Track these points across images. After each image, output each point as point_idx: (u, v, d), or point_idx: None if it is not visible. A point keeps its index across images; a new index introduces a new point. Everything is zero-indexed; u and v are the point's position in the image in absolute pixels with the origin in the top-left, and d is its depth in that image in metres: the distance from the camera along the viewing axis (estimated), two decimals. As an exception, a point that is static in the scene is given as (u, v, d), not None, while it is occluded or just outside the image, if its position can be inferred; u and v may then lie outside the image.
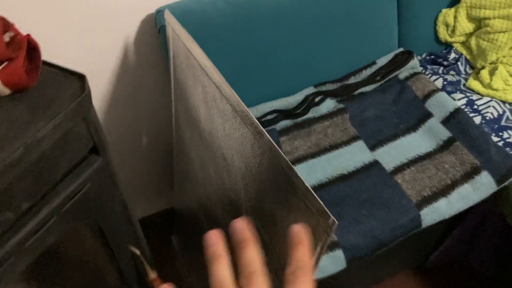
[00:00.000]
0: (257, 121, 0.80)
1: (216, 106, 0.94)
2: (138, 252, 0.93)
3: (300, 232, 0.39)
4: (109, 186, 0.82)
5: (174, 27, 1.04)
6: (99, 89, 1.27)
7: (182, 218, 1.53)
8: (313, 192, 0.66)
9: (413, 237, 1.32)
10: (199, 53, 0.97)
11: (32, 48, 0.74)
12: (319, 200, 0.65)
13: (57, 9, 1.08)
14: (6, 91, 0.71)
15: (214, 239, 0.38)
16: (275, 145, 0.77)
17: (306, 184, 0.68)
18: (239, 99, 0.86)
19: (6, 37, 0.74)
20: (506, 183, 1.13)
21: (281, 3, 1.21)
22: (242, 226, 0.38)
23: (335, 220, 0.65)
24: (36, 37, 0.73)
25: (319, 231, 0.68)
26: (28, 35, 0.73)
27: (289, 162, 0.70)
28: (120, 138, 1.41)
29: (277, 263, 0.85)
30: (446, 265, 1.46)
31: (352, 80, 1.35)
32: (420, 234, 1.32)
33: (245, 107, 0.84)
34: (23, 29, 0.73)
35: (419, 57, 1.43)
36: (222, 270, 0.36)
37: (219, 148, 0.98)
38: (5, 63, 0.71)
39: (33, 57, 0.74)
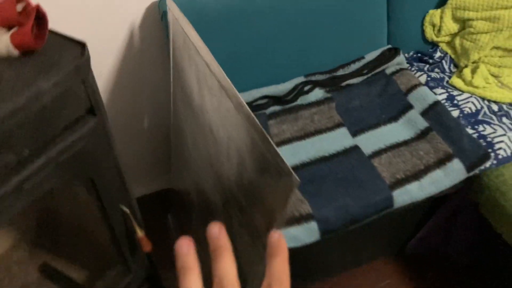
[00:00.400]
0: (238, 94, 0.90)
1: (206, 82, 1.04)
2: (128, 211, 1.02)
3: (278, 242, 0.37)
4: (103, 145, 0.92)
5: (175, 13, 1.14)
6: (104, 70, 1.38)
7: (177, 198, 1.62)
8: (280, 154, 0.75)
9: (392, 223, 1.41)
10: (194, 35, 1.06)
11: (40, 17, 0.84)
12: (285, 162, 0.74)
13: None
14: (15, 52, 0.81)
15: (185, 249, 0.36)
16: (253, 115, 0.86)
17: (274, 147, 0.77)
18: (225, 75, 0.95)
19: (19, 7, 0.84)
20: (476, 170, 1.20)
21: (274, -3, 1.30)
22: (217, 232, 0.37)
23: (297, 178, 0.74)
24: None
25: (285, 189, 0.78)
26: (38, 5, 0.83)
27: (263, 130, 0.80)
28: (123, 118, 1.51)
29: (250, 222, 0.94)
30: (424, 254, 1.53)
31: (341, 72, 1.44)
32: (398, 220, 1.40)
33: (229, 82, 0.93)
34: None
35: (406, 55, 1.51)
36: (192, 283, 0.35)
37: (207, 122, 1.08)
38: (16, 28, 0.81)
39: (41, 24, 0.84)
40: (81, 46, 0.83)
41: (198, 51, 1.04)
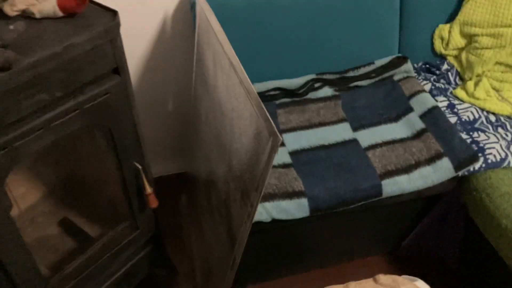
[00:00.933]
0: (243, 70, 1.03)
1: (219, 62, 1.18)
2: (140, 167, 1.16)
3: None
4: (123, 103, 1.06)
5: (202, 4, 1.29)
6: (137, 52, 1.54)
7: (191, 180, 1.75)
8: (270, 119, 0.87)
9: (385, 220, 1.49)
10: (215, 21, 1.21)
11: (84, -13, 1.00)
12: (273, 125, 0.87)
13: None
14: (60, 13, 0.97)
15: None
16: (252, 87, 0.99)
17: (267, 114, 0.89)
18: (235, 54, 1.09)
19: (68, -22, 1.01)
20: (465, 171, 1.28)
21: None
22: None
23: (280, 137, 0.86)
24: None
25: (271, 147, 0.89)
26: (82, -23, 0.99)
27: (260, 100, 0.92)
28: (149, 98, 1.66)
29: (243, 183, 1.06)
30: (417, 255, 1.59)
31: (350, 74, 1.55)
32: (391, 217, 1.48)
33: (238, 60, 1.07)
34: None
35: (415, 65, 1.61)
36: None
37: (217, 97, 1.21)
38: (63, -6, 0.98)
39: (83, -7, 1.00)
40: (113, 13, 0.99)
41: (216, 34, 1.18)
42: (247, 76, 1.01)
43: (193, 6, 1.40)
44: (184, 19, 1.51)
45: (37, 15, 0.97)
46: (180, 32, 1.53)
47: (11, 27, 0.91)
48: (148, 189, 1.19)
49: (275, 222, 1.24)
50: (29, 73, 0.85)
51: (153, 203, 1.22)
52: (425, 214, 1.47)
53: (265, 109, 0.92)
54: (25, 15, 0.97)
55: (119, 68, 1.02)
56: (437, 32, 1.56)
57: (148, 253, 1.40)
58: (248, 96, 1.00)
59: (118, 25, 0.98)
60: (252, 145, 1.00)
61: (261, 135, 0.95)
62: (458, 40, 1.53)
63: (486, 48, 1.47)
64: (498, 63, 1.48)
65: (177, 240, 1.75)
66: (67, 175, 1.45)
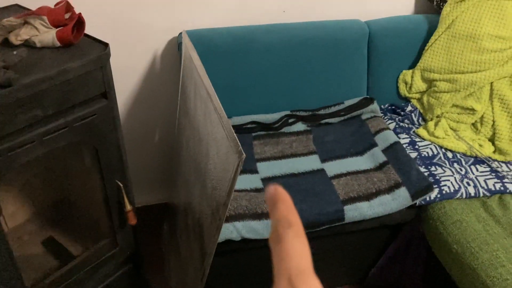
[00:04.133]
0: (218, 99, 1.17)
1: (199, 93, 1.31)
2: (121, 185, 1.27)
3: (275, 191, 0.34)
4: (109, 124, 1.19)
5: (186, 43, 1.45)
6: (128, 86, 1.68)
7: (172, 210, 1.85)
8: (236, 139, 0.99)
9: (353, 250, 1.58)
10: (196, 57, 1.36)
11: (81, 23, 1.15)
12: (239, 144, 0.99)
13: (109, 20, 1.52)
14: (58, 43, 1.11)
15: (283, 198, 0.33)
16: (224, 113, 1.12)
17: (234, 135, 1.01)
18: (211, 85, 1.23)
19: (67, 16, 1.16)
20: (420, 199, 1.40)
21: (272, 43, 1.60)
22: (273, 188, 0.34)
23: (244, 154, 0.98)
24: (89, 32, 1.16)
25: (236, 163, 1.01)
26: (80, 14, 1.14)
27: (230, 124, 1.05)
28: (136, 130, 1.79)
29: (213, 199, 1.17)
30: (384, 285, 1.67)
31: (322, 112, 1.69)
32: (358, 247, 1.58)
33: (213, 90, 1.21)
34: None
35: (382, 106, 1.76)
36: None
37: (197, 125, 1.34)
38: (61, 27, 1.13)
39: (80, 28, 1.15)
40: (105, 45, 1.13)
41: (196, 68, 1.32)
42: (220, 104, 1.15)
43: (180, 46, 1.56)
44: (172, 57, 1.66)
45: (38, 44, 1.11)
46: (168, 69, 1.68)
47: (15, 52, 1.05)
48: (128, 207, 1.29)
49: (245, 242, 1.33)
50: (27, 91, 0.98)
51: (132, 220, 1.32)
52: (390, 245, 1.57)
53: (233, 131, 1.04)
54: (28, 44, 1.12)
55: (107, 92, 1.16)
56: (401, 77, 1.72)
57: (127, 271, 1.48)
58: (221, 121, 1.12)
59: (108, 55, 1.12)
60: (222, 164, 1.12)
61: (229, 154, 1.07)
62: (419, 84, 1.68)
63: (444, 92, 1.62)
64: (455, 105, 1.63)
65: (157, 266, 1.82)
66: (55, 195, 1.55)
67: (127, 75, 1.64)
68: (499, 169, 1.49)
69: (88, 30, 1.19)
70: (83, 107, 1.12)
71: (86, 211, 1.45)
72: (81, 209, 1.47)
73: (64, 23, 1.14)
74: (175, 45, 1.64)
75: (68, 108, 1.09)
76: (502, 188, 1.43)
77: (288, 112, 1.67)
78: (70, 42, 1.12)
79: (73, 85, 1.07)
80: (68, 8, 1.16)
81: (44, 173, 1.47)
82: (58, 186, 1.52)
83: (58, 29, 1.12)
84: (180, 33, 1.58)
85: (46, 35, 1.11)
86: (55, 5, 1.16)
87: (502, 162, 1.54)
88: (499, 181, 1.45)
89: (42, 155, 1.07)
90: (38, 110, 1.03)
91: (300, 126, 1.64)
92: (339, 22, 1.68)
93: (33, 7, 1.18)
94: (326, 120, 1.67)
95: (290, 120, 1.65)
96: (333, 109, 1.70)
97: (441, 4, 1.68)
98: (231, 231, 1.29)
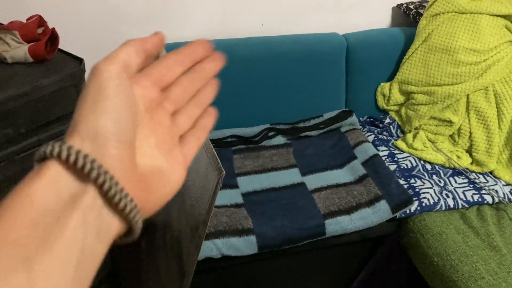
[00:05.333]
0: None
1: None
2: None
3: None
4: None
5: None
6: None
7: (149, 227, 1.81)
8: (216, 156, 0.98)
9: (335, 265, 1.57)
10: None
11: (55, 37, 1.12)
12: (218, 161, 0.97)
13: (85, 34, 1.49)
14: (30, 59, 1.08)
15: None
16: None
17: (214, 151, 1.00)
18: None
19: (40, 30, 1.13)
20: (400, 212, 1.40)
21: (251, 56, 1.60)
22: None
23: (223, 171, 0.96)
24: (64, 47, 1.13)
25: (217, 180, 0.99)
26: (53, 28, 1.11)
27: (209, 141, 1.03)
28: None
29: (192, 216, 1.14)
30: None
31: (301, 125, 1.69)
32: (341, 261, 1.57)
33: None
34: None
35: (361, 118, 1.77)
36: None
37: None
38: (34, 42, 1.09)
39: (54, 43, 1.12)
40: (80, 61, 1.10)
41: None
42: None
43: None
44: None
45: (9, 60, 1.08)
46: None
47: (-16, 69, 1.01)
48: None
49: (225, 259, 1.31)
50: (-2, 109, 0.95)
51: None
52: (371, 258, 1.56)
53: (212, 147, 1.03)
54: (-2, 60, 1.08)
55: (82, 109, 1.12)
56: (379, 89, 1.73)
57: (103, 292, 1.44)
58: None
59: (83, 70, 1.09)
60: (201, 181, 1.10)
61: (208, 170, 1.05)
62: (397, 97, 1.70)
63: (421, 104, 1.63)
64: (432, 117, 1.65)
65: (135, 286, 1.78)
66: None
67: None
68: (476, 181, 1.51)
69: (64, 45, 1.16)
70: (58, 124, 1.08)
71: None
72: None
73: (37, 38, 1.10)
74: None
75: (42, 125, 1.06)
76: (480, 200, 1.44)
77: (268, 125, 1.66)
78: (43, 58, 1.09)
79: (47, 102, 1.04)
80: (41, 22, 1.13)
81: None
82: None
83: (30, 44, 1.09)
84: (158, 47, 1.56)
85: (18, 50, 1.08)
86: (27, 20, 1.13)
87: (480, 173, 1.56)
88: (477, 192, 1.47)
89: (13, 175, 1.04)
90: (10, 129, 1.00)
91: (280, 139, 1.63)
92: (317, 36, 1.69)
93: (4, 21, 1.15)
94: (306, 133, 1.67)
95: (270, 133, 1.64)
96: (313, 122, 1.69)
97: (417, 17, 1.70)
98: (211, 248, 1.27)
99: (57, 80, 1.03)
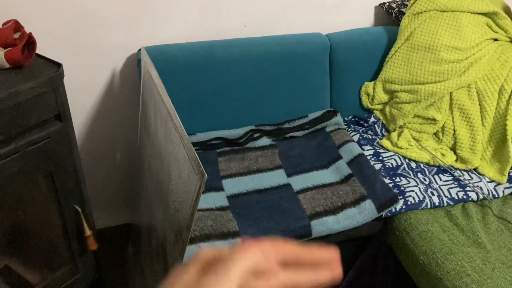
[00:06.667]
0: (178, 118, 1.13)
1: (159, 111, 1.28)
2: (80, 210, 1.22)
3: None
4: (65, 148, 1.14)
5: (145, 59, 1.41)
6: (84, 107, 1.63)
7: (136, 230, 1.80)
8: (198, 159, 0.97)
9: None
10: (155, 75, 1.32)
11: (32, 43, 1.10)
12: (200, 164, 0.96)
13: (63, 38, 1.47)
14: (7, 65, 1.06)
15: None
16: (185, 132, 1.09)
17: (196, 155, 0.99)
18: (171, 103, 1.20)
19: (16, 35, 1.11)
20: (386, 211, 1.40)
21: (233, 58, 1.58)
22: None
23: (206, 174, 0.95)
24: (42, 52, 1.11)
25: (198, 183, 0.98)
26: (30, 33, 1.10)
27: (191, 144, 1.02)
28: (96, 150, 1.73)
29: (176, 222, 1.13)
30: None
31: (286, 125, 1.68)
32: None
33: (174, 108, 1.17)
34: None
35: (346, 118, 1.76)
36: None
37: (158, 145, 1.30)
38: (10, 48, 1.07)
39: (31, 48, 1.10)
40: (58, 66, 1.09)
41: (156, 87, 1.29)
42: (181, 123, 1.12)
43: (139, 63, 1.52)
44: (131, 74, 1.62)
45: (-15, 66, 1.06)
46: (128, 86, 1.64)
47: (-41, 75, 0.99)
48: (88, 232, 1.24)
49: (211, 263, 1.30)
50: (-27, 116, 0.93)
51: (92, 245, 1.26)
52: (358, 258, 1.56)
53: (194, 151, 1.01)
54: (-27, 66, 1.06)
55: (61, 115, 1.11)
56: (363, 88, 1.73)
57: (89, 299, 1.42)
58: (182, 140, 1.09)
59: (61, 75, 1.08)
60: (184, 185, 1.08)
61: (190, 174, 1.04)
62: (382, 96, 1.70)
63: (405, 102, 1.64)
64: (416, 115, 1.65)
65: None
66: (9, 223, 1.48)
67: (84, 94, 1.59)
68: (461, 178, 1.52)
69: (42, 49, 1.14)
70: (36, 131, 1.07)
71: (43, 238, 1.39)
72: (38, 236, 1.40)
73: (13, 43, 1.09)
74: (135, 61, 1.60)
75: (19, 132, 1.04)
76: (464, 197, 1.45)
77: (253, 127, 1.65)
78: (20, 63, 1.07)
79: (24, 108, 1.02)
80: (18, 27, 1.12)
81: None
82: (12, 213, 1.44)
83: (6, 49, 1.07)
84: (139, 50, 1.54)
85: (-6, 56, 1.06)
86: (3, 25, 1.11)
87: (464, 170, 1.56)
88: (461, 189, 1.47)
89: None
90: (-14, 136, 0.98)
91: (265, 141, 1.63)
92: (300, 36, 1.68)
93: (-20, 27, 1.13)
94: (291, 134, 1.66)
95: (255, 135, 1.63)
96: (298, 122, 1.69)
97: (399, 16, 1.71)
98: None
99: (35, 86, 1.02)
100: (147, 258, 1.47)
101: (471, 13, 1.57)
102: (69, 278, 1.32)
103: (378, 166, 1.55)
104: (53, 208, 1.22)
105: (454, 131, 1.61)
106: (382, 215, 1.41)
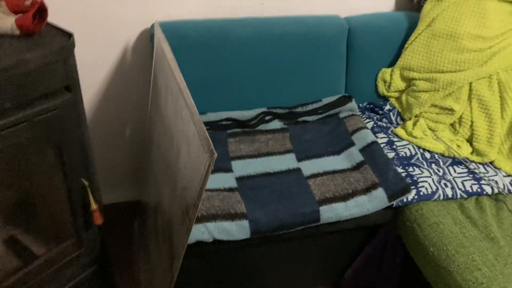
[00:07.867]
0: (190, 95, 1.11)
1: (170, 87, 1.25)
2: (87, 183, 1.20)
3: None
4: (73, 119, 1.11)
5: (158, 34, 1.38)
6: (95, 81, 1.60)
7: (143, 208, 1.79)
8: (208, 137, 0.94)
9: (329, 252, 1.55)
10: (168, 50, 1.30)
11: (43, 10, 1.08)
12: (210, 142, 0.94)
13: (76, 9, 1.44)
14: (17, 32, 1.04)
15: None
16: (196, 109, 1.06)
17: (206, 133, 0.96)
18: (183, 79, 1.17)
19: (28, 1, 1.09)
20: (397, 200, 1.36)
21: (249, 37, 1.55)
22: None
23: (215, 152, 0.93)
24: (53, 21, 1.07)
25: (208, 161, 0.96)
26: (42, 0, 1.07)
27: (201, 121, 0.99)
28: (105, 125, 1.72)
29: (183, 201, 1.11)
30: (359, 287, 1.64)
31: (299, 109, 1.65)
32: (335, 248, 1.54)
33: (185, 84, 1.15)
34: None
35: (360, 105, 1.72)
36: None
37: (167, 121, 1.28)
38: (21, 14, 1.05)
39: (42, 16, 1.08)
40: (69, 35, 1.06)
41: (168, 61, 1.26)
42: (192, 100, 1.09)
43: (152, 38, 1.49)
44: (144, 50, 1.59)
45: (-5, 32, 1.03)
46: (140, 62, 1.61)
47: (-32, 40, 0.97)
48: (94, 206, 1.23)
49: (217, 244, 1.28)
50: (-20, 82, 0.91)
51: (98, 219, 1.25)
52: (366, 246, 1.53)
53: (204, 129, 0.99)
54: (-17, 32, 1.04)
55: (70, 86, 1.08)
56: (380, 75, 1.68)
57: (93, 274, 1.41)
58: (192, 117, 1.07)
59: (72, 45, 1.05)
60: (193, 163, 1.06)
61: (200, 152, 1.02)
62: (398, 83, 1.65)
63: (423, 91, 1.59)
64: (433, 105, 1.61)
65: (127, 268, 1.76)
66: (16, 194, 1.47)
67: (95, 68, 1.57)
68: (476, 171, 1.48)
69: (53, 19, 1.12)
70: (44, 100, 1.04)
71: (49, 210, 1.38)
72: (44, 208, 1.40)
73: (24, 10, 1.06)
74: (148, 37, 1.57)
75: (27, 101, 1.02)
76: (479, 190, 1.41)
77: (264, 109, 1.62)
78: (30, 31, 1.04)
79: (33, 77, 1.00)
80: (29, -6, 1.09)
81: (2, 171, 1.39)
82: (18, 184, 1.44)
83: (17, 16, 1.04)
84: (153, 24, 1.51)
85: (4, 21, 1.03)
86: (15, -10, 1.08)
87: (480, 163, 1.52)
88: (476, 182, 1.43)
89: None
90: (-6, 103, 0.96)
91: (277, 124, 1.60)
92: (318, 18, 1.64)
93: (-9, -8, 1.10)
94: (303, 118, 1.63)
95: (267, 118, 1.60)
96: (311, 106, 1.65)
97: (421, 1, 1.65)
98: (202, 232, 1.24)
99: (44, 54, 0.99)
100: (153, 236, 1.46)
101: (498, 0, 1.52)
102: (74, 252, 1.31)
103: (391, 154, 1.51)
104: (60, 180, 1.20)
105: (472, 122, 1.56)
106: (393, 204, 1.38)
